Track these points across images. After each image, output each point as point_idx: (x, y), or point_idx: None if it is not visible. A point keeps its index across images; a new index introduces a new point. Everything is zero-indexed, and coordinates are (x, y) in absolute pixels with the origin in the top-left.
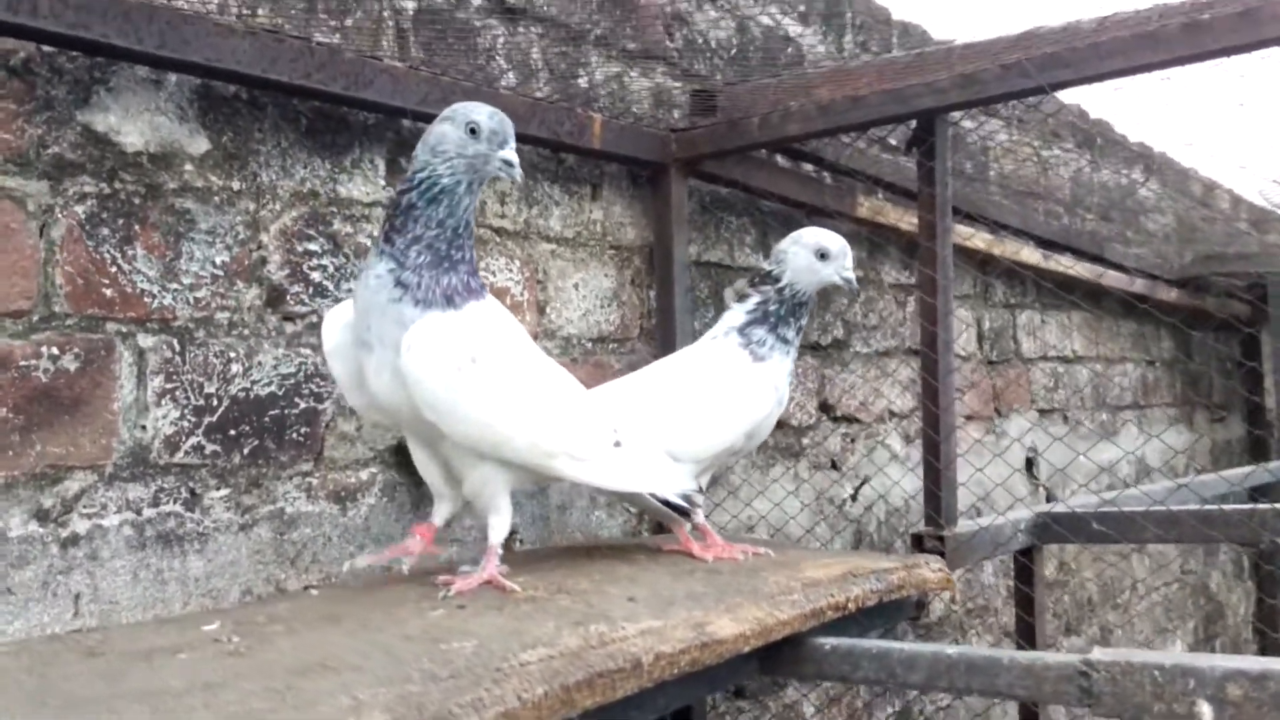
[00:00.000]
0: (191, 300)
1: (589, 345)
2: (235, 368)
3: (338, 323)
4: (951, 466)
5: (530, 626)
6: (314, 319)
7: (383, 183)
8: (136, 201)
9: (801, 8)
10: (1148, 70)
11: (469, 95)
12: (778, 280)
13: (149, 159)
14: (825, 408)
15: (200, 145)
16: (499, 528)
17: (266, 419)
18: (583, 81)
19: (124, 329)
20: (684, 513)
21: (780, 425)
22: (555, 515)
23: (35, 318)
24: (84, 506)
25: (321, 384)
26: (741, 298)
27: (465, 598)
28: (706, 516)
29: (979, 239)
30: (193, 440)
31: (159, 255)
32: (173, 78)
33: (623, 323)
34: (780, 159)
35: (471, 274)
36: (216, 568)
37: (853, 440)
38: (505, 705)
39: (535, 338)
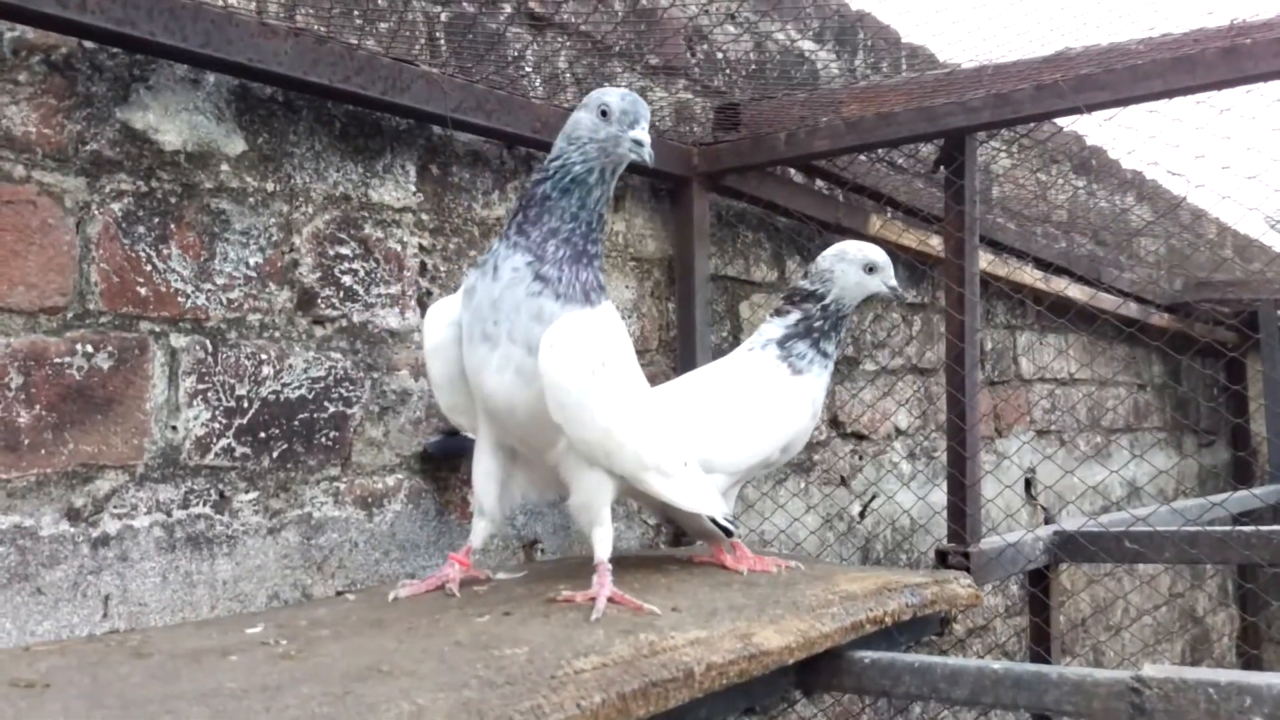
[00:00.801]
0: (224, 301)
1: None
2: (266, 370)
3: (443, 319)
4: (977, 483)
5: (579, 634)
6: (343, 323)
7: (413, 188)
8: (173, 200)
9: (816, 26)
10: (1186, 94)
11: (503, 103)
12: (823, 297)
13: (186, 158)
14: (835, 424)
15: (236, 146)
16: (604, 542)
17: (296, 422)
18: None
19: (157, 328)
20: (728, 533)
21: None
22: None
23: (70, 315)
24: (115, 506)
25: (350, 388)
26: (779, 313)
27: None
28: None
29: (982, 259)
30: (223, 442)
31: (193, 255)
32: (211, 77)
33: (642, 334)
34: (796, 175)
35: (602, 270)
36: (244, 571)
37: (861, 457)
38: (565, 713)
39: None
